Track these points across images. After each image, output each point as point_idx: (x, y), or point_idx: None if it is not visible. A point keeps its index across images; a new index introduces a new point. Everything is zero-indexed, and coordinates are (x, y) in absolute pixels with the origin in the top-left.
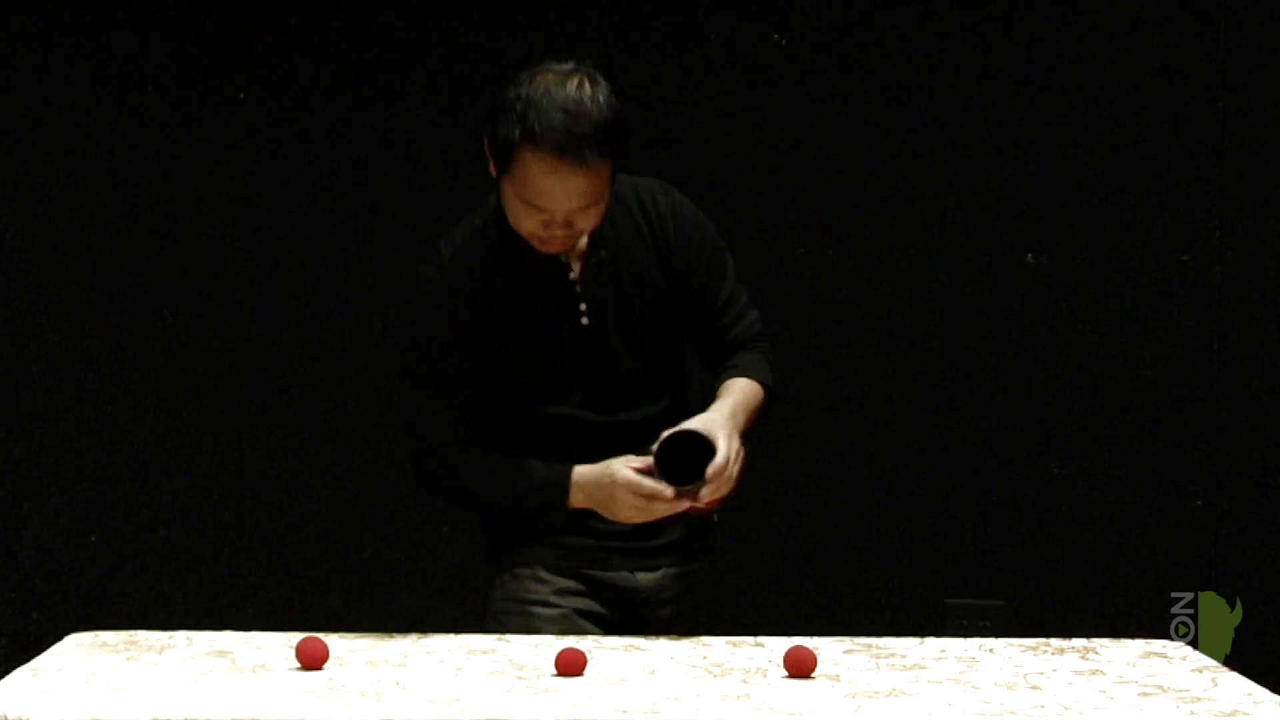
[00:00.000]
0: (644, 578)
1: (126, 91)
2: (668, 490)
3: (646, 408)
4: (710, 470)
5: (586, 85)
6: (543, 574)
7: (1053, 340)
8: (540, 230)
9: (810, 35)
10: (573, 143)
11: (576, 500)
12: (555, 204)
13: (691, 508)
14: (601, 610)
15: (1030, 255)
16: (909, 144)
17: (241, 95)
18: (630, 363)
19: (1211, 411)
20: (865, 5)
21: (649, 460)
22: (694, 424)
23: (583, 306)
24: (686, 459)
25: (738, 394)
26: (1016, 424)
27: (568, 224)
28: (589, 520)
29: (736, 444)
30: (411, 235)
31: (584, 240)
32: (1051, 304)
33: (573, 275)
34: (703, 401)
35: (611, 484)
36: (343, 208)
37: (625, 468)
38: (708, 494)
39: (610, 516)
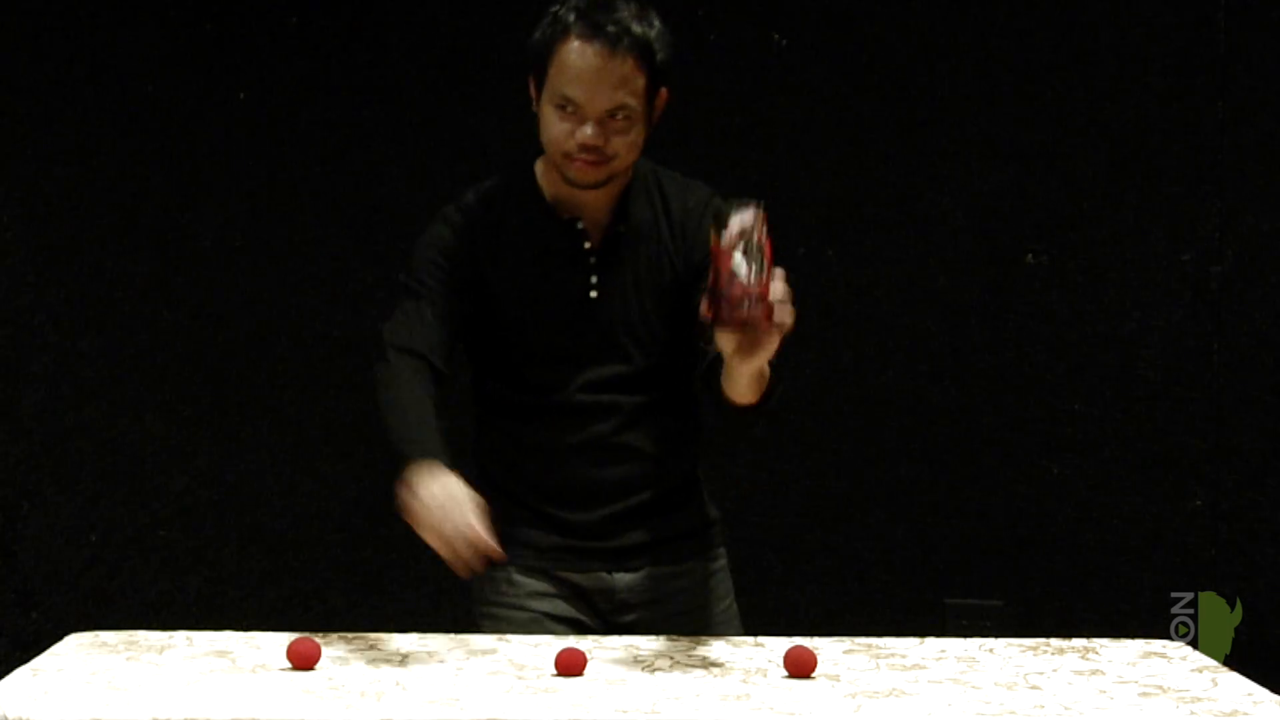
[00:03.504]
0: (622, 578)
1: (126, 91)
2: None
3: (643, 395)
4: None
5: (633, 5)
6: (516, 576)
7: (1053, 340)
8: (571, 143)
9: (810, 35)
10: (608, 27)
11: (402, 496)
12: (588, 94)
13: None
14: (576, 614)
15: (1030, 255)
16: (909, 144)
17: (241, 95)
18: (635, 346)
19: (1211, 411)
20: (865, 5)
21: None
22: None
23: (594, 279)
24: None
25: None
26: (1016, 424)
27: (600, 137)
28: (562, 518)
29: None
30: (411, 235)
31: (604, 214)
32: (1051, 304)
33: (589, 245)
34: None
35: (443, 502)
36: (343, 208)
37: (470, 508)
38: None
39: (413, 521)
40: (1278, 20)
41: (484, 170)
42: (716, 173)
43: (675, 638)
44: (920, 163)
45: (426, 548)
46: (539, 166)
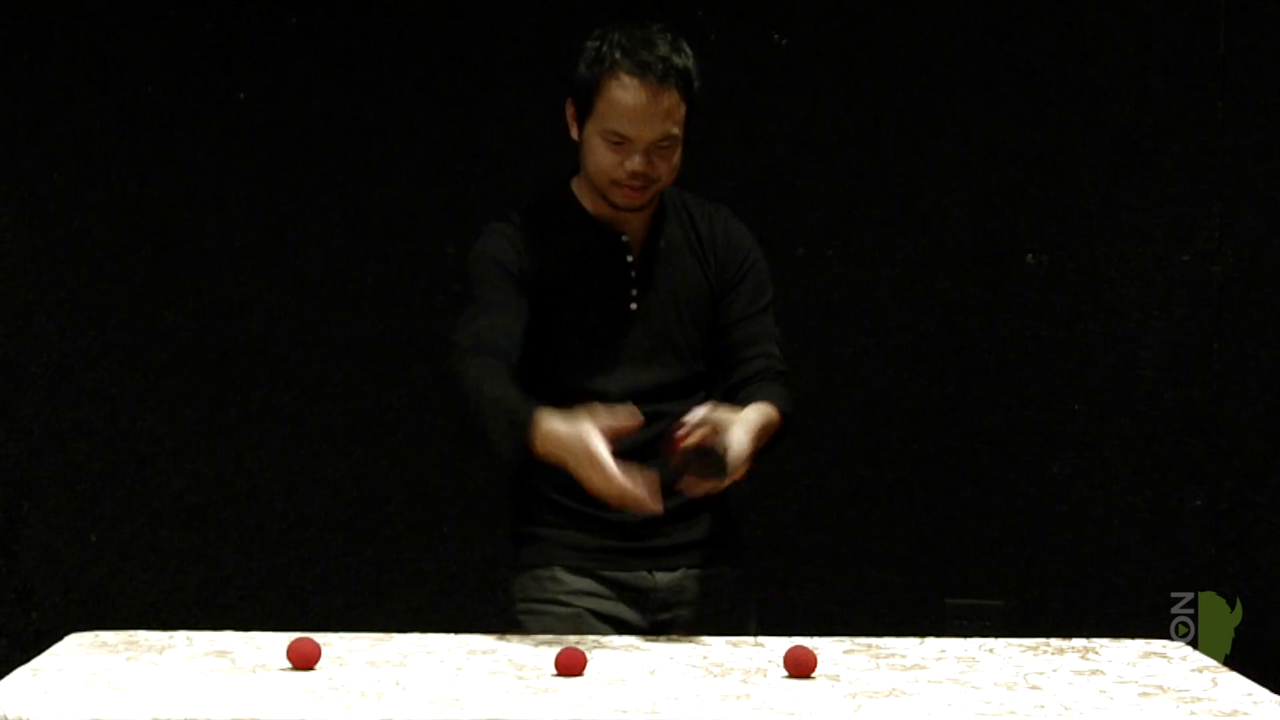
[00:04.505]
0: (663, 578)
1: (126, 91)
2: (633, 481)
3: (683, 402)
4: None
5: (667, 34)
6: (560, 574)
7: (1053, 340)
8: (620, 171)
9: (810, 35)
10: (654, 64)
11: (545, 448)
12: (638, 128)
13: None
14: (619, 612)
15: (1030, 255)
16: (909, 144)
17: (241, 95)
18: (674, 355)
19: (1211, 411)
20: (865, 5)
21: (619, 423)
22: (726, 441)
23: (634, 291)
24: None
25: (759, 418)
26: (1016, 424)
27: (648, 165)
28: (604, 519)
29: (742, 470)
30: (411, 235)
31: (642, 232)
32: (1051, 304)
33: (630, 258)
34: None
35: (581, 451)
36: (343, 208)
37: (596, 438)
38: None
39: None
40: (1278, 20)
41: (485, 170)
42: (717, 173)
43: (675, 638)
44: (920, 163)
45: (426, 547)
46: (575, 186)
